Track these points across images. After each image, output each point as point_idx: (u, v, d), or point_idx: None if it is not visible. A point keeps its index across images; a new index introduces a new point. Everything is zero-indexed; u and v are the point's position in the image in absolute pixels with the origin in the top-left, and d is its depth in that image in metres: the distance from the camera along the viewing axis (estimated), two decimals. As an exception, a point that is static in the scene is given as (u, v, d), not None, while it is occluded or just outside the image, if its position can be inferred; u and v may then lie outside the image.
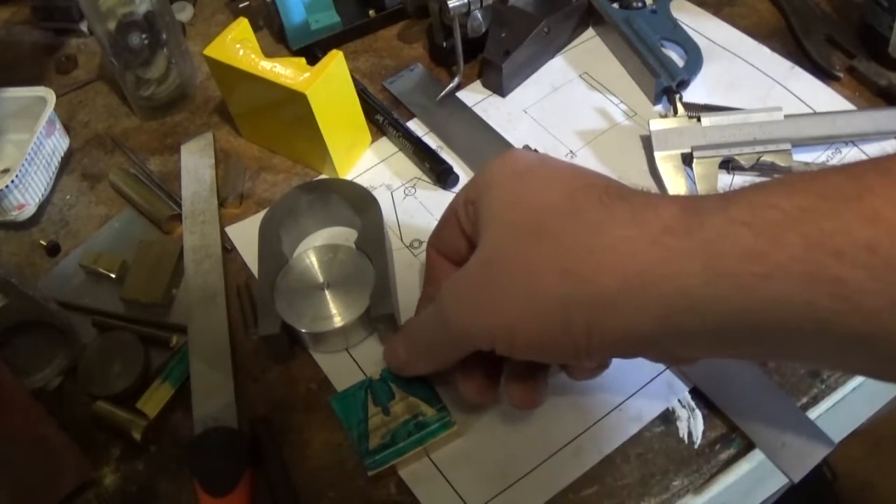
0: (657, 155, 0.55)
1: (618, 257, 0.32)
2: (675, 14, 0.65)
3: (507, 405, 0.43)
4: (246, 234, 0.56)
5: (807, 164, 0.54)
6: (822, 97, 0.59)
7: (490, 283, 0.36)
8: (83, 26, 0.74)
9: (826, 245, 0.27)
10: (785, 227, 0.28)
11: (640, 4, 0.65)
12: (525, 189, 0.37)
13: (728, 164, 0.54)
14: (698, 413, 0.44)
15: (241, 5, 0.74)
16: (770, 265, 0.28)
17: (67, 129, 0.65)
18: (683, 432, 0.44)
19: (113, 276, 0.54)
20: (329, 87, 0.54)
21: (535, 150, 0.58)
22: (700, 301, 0.30)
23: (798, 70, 0.61)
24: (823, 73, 0.60)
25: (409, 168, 0.59)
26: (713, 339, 0.32)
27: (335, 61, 0.54)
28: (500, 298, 0.35)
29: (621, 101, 0.61)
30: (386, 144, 0.61)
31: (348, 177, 0.59)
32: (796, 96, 0.59)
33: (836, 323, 0.28)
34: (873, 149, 0.55)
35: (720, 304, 0.30)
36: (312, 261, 0.51)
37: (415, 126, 0.61)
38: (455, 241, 0.43)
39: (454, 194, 0.56)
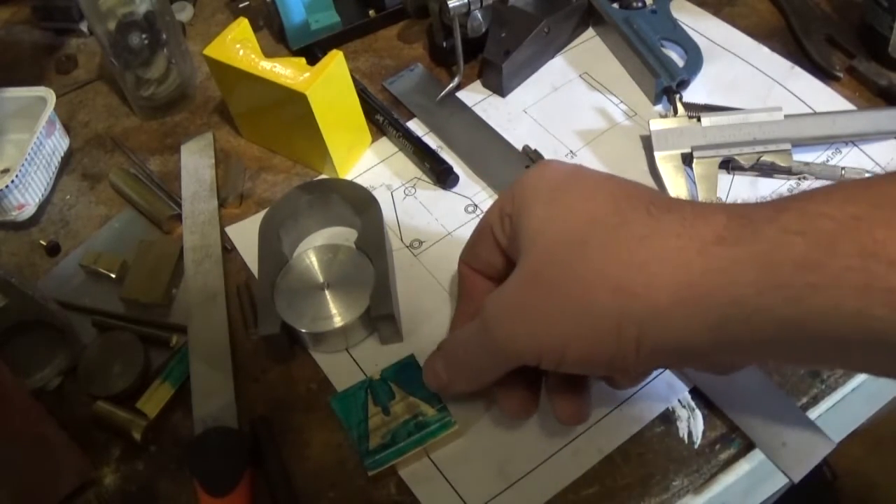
0: (657, 155, 0.55)
1: (669, 269, 0.32)
2: (675, 14, 0.65)
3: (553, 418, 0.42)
4: (246, 234, 0.56)
5: (807, 163, 0.54)
6: (822, 97, 0.59)
7: (538, 299, 0.35)
8: (83, 26, 0.74)
9: (880, 255, 0.27)
10: (839, 237, 0.28)
11: (640, 4, 0.65)
12: (567, 201, 0.36)
13: (728, 164, 0.54)
14: (698, 413, 0.44)
15: (241, 5, 0.74)
16: (825, 275, 0.28)
17: (67, 129, 0.65)
18: (683, 432, 0.44)
19: (113, 276, 0.54)
20: (329, 87, 0.54)
21: (536, 151, 0.58)
22: (753, 311, 0.30)
23: (798, 70, 0.61)
24: (823, 73, 0.60)
25: (409, 168, 0.59)
26: (765, 348, 0.32)
27: (335, 61, 0.54)
28: (550, 314, 0.35)
29: (621, 101, 0.61)
30: (386, 144, 0.61)
31: (348, 177, 0.59)
32: (796, 96, 0.59)
33: (889, 332, 0.28)
34: (873, 149, 0.55)
35: (773, 314, 0.30)
36: (312, 261, 0.51)
37: (415, 126, 0.61)
38: (490, 256, 0.42)
39: (454, 194, 0.57)
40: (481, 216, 0.44)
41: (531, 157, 0.58)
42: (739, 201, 0.50)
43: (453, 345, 0.42)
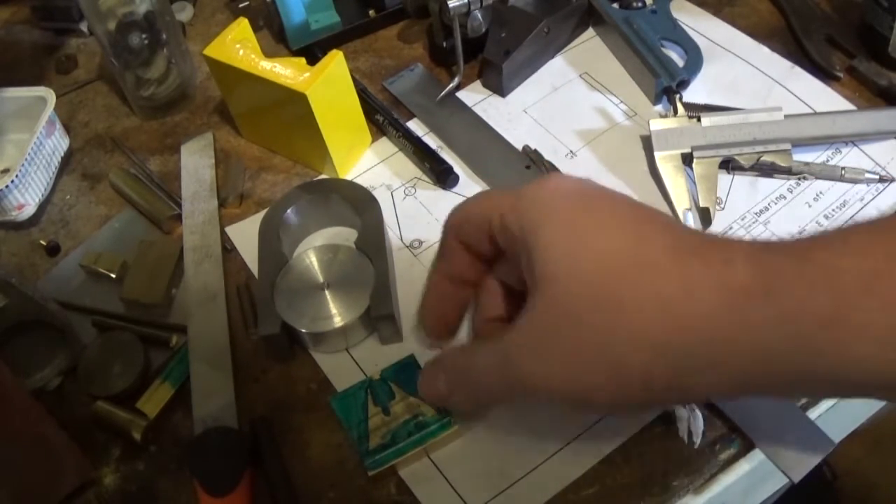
0: (657, 155, 0.55)
1: (701, 324, 0.32)
2: (675, 14, 0.65)
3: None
4: (246, 234, 0.56)
5: (807, 163, 0.54)
6: (822, 97, 0.59)
7: (568, 342, 0.34)
8: (83, 26, 0.74)
9: None
10: (860, 292, 0.29)
11: (640, 4, 0.65)
12: (591, 228, 0.35)
13: (728, 164, 0.54)
14: (698, 413, 0.44)
15: (241, 5, 0.74)
16: (846, 330, 0.29)
17: (67, 129, 0.65)
18: (683, 432, 0.44)
19: (113, 276, 0.54)
20: (329, 87, 0.54)
21: (536, 150, 0.58)
22: (777, 364, 0.31)
23: (798, 70, 0.61)
24: (823, 73, 0.60)
25: (409, 168, 0.59)
26: (787, 392, 0.34)
27: (335, 61, 0.54)
28: (581, 361, 0.34)
29: (621, 101, 0.61)
30: (386, 144, 0.61)
31: (348, 177, 0.59)
32: (796, 96, 0.59)
33: None
34: (873, 149, 0.55)
35: (796, 365, 0.31)
36: (312, 261, 0.51)
37: (415, 126, 0.61)
38: (479, 245, 0.41)
39: (454, 194, 0.57)
40: (480, 194, 0.43)
41: (530, 156, 0.58)
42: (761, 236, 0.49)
43: (462, 363, 0.41)
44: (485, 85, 0.64)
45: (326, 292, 0.49)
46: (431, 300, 0.44)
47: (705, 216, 0.52)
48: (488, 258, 0.42)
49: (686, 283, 0.33)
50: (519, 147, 0.58)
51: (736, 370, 0.32)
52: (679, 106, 0.56)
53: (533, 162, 0.57)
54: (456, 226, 0.42)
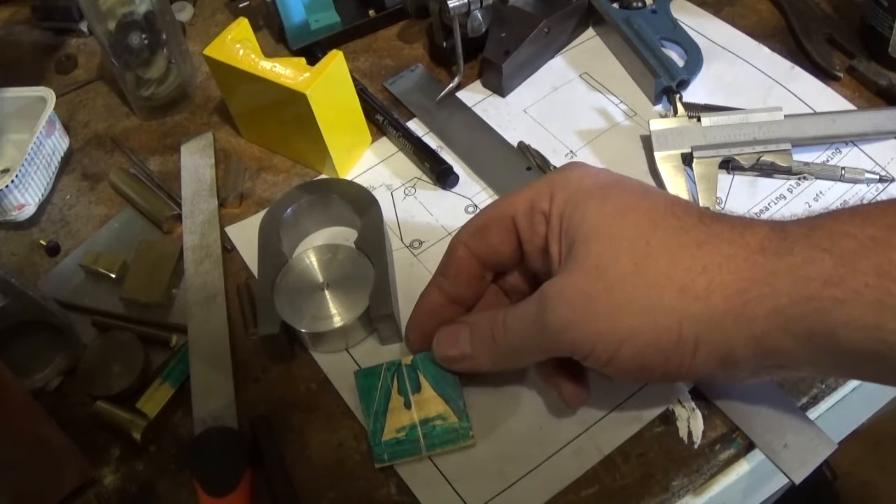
0: (657, 155, 0.55)
1: (724, 276, 0.34)
2: (675, 14, 0.65)
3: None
4: (246, 234, 0.56)
5: (807, 163, 0.54)
6: (822, 97, 0.59)
7: (602, 291, 0.36)
8: (83, 26, 0.74)
9: (892, 274, 0.30)
10: (859, 256, 0.31)
11: (640, 4, 0.65)
12: (621, 199, 0.38)
13: (728, 164, 0.54)
14: (698, 413, 0.44)
15: (241, 5, 0.74)
16: (846, 290, 0.31)
17: (67, 129, 0.65)
18: (683, 432, 0.44)
19: (113, 276, 0.54)
20: (329, 87, 0.54)
21: (529, 146, 0.58)
22: (789, 321, 0.32)
23: (798, 70, 0.61)
24: (823, 73, 0.60)
25: (409, 168, 0.59)
26: (800, 360, 0.34)
27: (335, 61, 0.54)
28: (614, 308, 0.36)
29: (621, 101, 0.61)
30: (386, 144, 0.61)
31: (348, 177, 0.59)
32: (796, 96, 0.59)
33: None
34: (873, 149, 0.55)
35: (804, 324, 0.32)
36: (312, 261, 0.51)
37: (415, 126, 0.61)
38: (501, 245, 0.42)
39: (454, 194, 0.57)
40: (494, 201, 0.44)
41: (524, 152, 0.57)
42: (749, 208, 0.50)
43: (493, 318, 0.41)
44: (485, 85, 0.64)
45: (326, 292, 0.49)
46: (421, 315, 0.45)
47: (705, 216, 0.52)
48: (503, 263, 0.43)
49: (710, 238, 0.35)
50: (514, 145, 0.58)
51: (753, 324, 0.33)
52: (679, 106, 0.56)
53: (528, 156, 0.57)
54: (473, 234, 0.43)
